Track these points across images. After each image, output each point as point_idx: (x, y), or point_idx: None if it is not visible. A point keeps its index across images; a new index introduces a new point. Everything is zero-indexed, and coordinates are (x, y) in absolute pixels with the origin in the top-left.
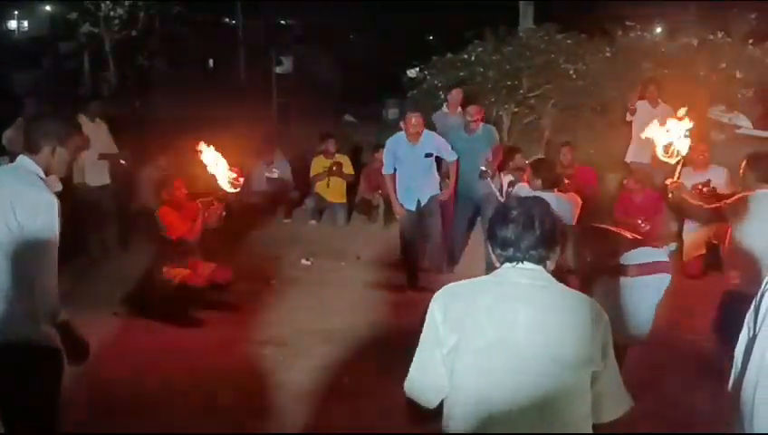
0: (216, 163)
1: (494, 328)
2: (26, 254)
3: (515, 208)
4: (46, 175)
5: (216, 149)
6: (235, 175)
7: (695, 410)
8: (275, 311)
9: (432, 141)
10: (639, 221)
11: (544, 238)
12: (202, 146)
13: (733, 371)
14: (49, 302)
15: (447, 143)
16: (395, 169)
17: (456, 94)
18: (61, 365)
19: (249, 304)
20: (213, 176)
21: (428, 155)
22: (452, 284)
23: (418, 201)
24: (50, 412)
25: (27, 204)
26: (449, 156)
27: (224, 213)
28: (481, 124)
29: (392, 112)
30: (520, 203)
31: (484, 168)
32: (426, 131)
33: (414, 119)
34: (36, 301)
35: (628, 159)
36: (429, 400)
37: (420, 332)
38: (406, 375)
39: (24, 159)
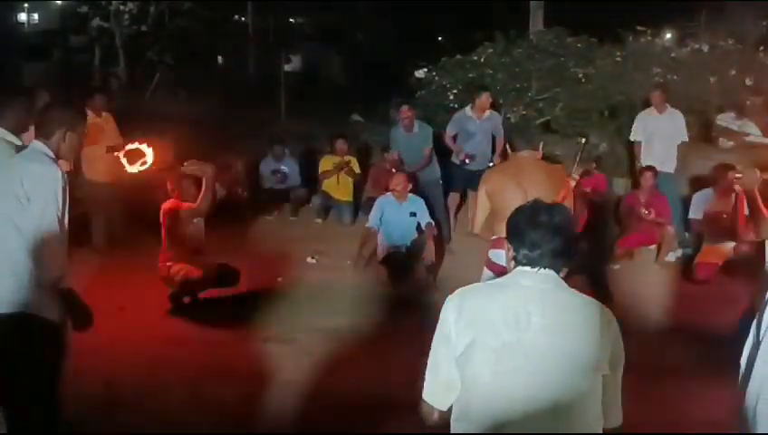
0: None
1: (509, 329)
2: (33, 223)
3: (543, 212)
4: (57, 158)
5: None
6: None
7: (699, 416)
8: (280, 308)
9: (416, 203)
10: (643, 210)
11: (568, 245)
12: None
13: (739, 378)
14: (52, 268)
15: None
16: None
17: (485, 99)
18: (63, 338)
19: (254, 301)
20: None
21: (413, 214)
22: (465, 287)
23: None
24: (51, 388)
25: (33, 176)
26: (423, 219)
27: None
28: (416, 122)
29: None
30: (547, 207)
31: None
32: (411, 195)
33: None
34: (39, 267)
35: (643, 163)
36: (442, 402)
37: (426, 331)
38: (409, 374)
39: (36, 143)
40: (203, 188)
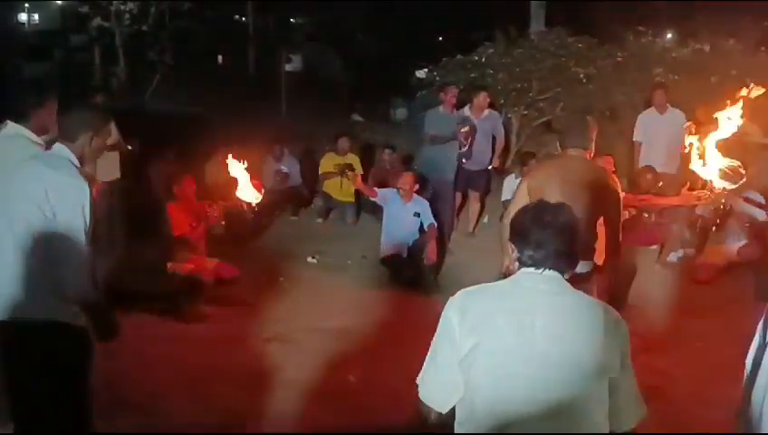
0: (240, 174)
1: (513, 334)
2: (58, 238)
3: (548, 212)
4: (80, 164)
5: (240, 159)
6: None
7: (701, 416)
8: (281, 308)
9: (420, 204)
10: (644, 214)
11: (573, 246)
12: (230, 159)
13: (744, 379)
14: (79, 286)
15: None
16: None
17: (482, 99)
18: (87, 345)
19: (255, 300)
20: (235, 185)
21: (416, 214)
22: (469, 288)
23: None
24: (80, 397)
25: (60, 189)
26: (426, 220)
27: (223, 222)
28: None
29: (400, 112)
30: (552, 208)
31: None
32: (416, 196)
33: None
34: (66, 285)
35: (641, 164)
36: (443, 404)
37: (426, 330)
38: (410, 374)
39: (59, 147)
40: (204, 220)
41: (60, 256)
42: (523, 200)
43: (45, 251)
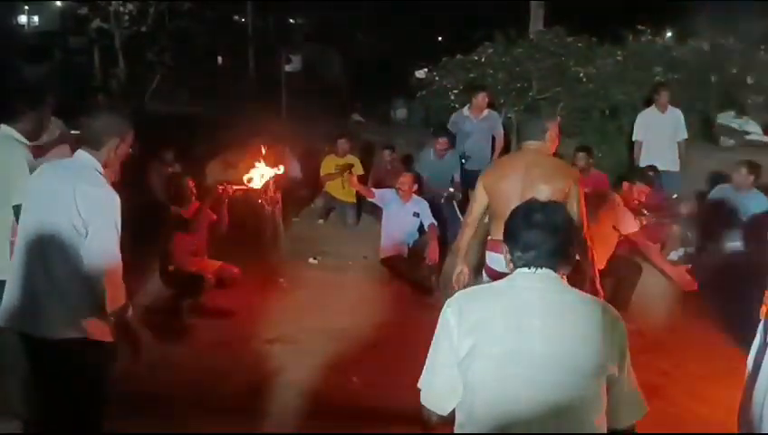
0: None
1: (511, 336)
2: (91, 252)
3: (538, 212)
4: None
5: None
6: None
7: (702, 415)
8: (283, 309)
9: (419, 204)
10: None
11: (566, 244)
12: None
13: (746, 378)
14: (116, 300)
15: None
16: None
17: (481, 99)
18: (113, 359)
19: (256, 301)
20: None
21: (416, 214)
22: (466, 289)
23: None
24: (98, 407)
25: (91, 202)
26: (426, 220)
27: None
28: (449, 151)
29: (400, 113)
30: (542, 207)
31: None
32: (415, 196)
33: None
34: (100, 297)
35: (642, 163)
36: (442, 406)
37: (428, 331)
38: (413, 375)
39: (84, 155)
40: (205, 219)
41: (95, 273)
42: (481, 200)
43: (79, 268)
